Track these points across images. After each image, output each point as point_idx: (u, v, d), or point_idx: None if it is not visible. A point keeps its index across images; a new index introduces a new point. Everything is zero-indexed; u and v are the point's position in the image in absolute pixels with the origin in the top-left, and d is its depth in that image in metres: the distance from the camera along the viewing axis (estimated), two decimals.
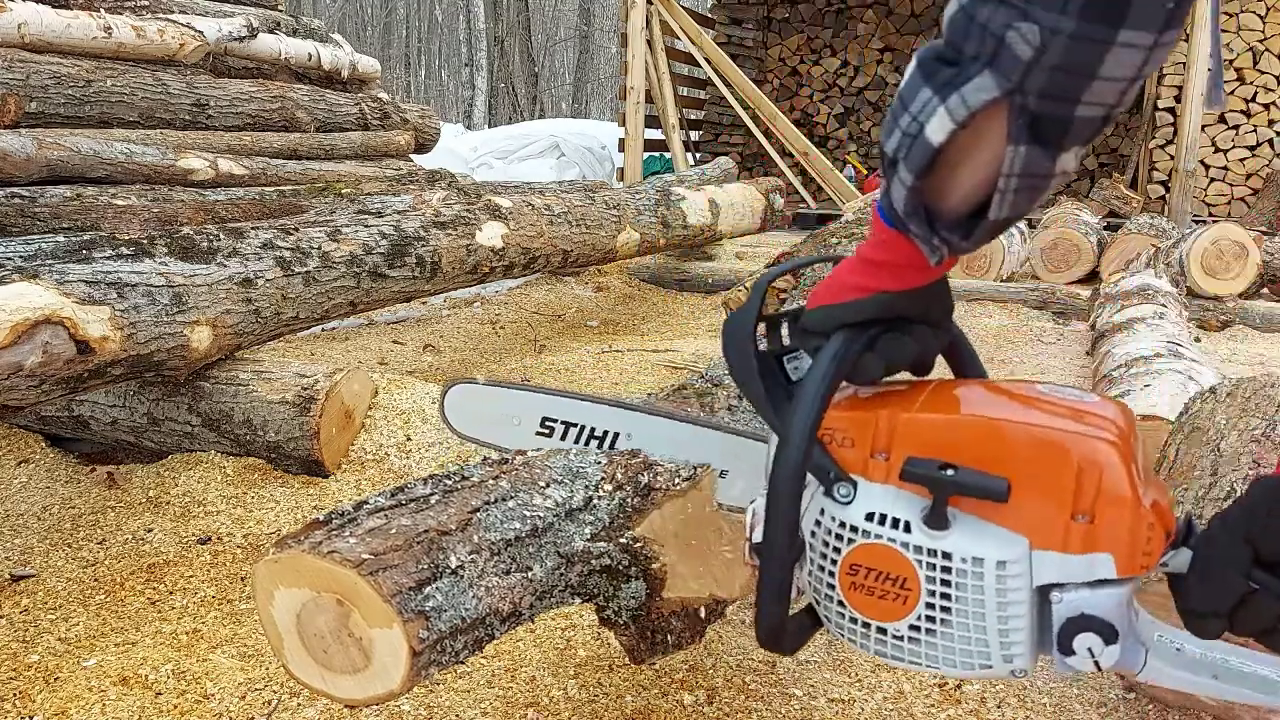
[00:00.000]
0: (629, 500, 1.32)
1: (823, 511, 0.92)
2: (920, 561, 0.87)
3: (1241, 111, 8.29)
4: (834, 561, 0.91)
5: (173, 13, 5.01)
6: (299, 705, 1.50)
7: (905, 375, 0.98)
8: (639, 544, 1.27)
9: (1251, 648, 0.85)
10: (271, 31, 5.47)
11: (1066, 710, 1.49)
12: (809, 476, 0.92)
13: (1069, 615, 0.84)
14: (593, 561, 1.25)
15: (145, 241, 2.17)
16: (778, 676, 1.57)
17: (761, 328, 1.02)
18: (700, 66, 8.89)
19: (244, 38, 5.19)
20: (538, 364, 3.78)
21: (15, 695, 1.53)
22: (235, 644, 1.69)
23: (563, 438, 1.56)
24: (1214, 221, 5.82)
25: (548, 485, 1.28)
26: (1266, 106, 8.24)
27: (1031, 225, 6.58)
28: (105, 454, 2.61)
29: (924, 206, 0.80)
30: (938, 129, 0.74)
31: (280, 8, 6.11)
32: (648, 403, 1.62)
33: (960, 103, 0.72)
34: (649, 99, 8.87)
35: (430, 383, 2.81)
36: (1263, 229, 6.43)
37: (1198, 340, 3.98)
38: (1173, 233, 5.79)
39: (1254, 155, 8.33)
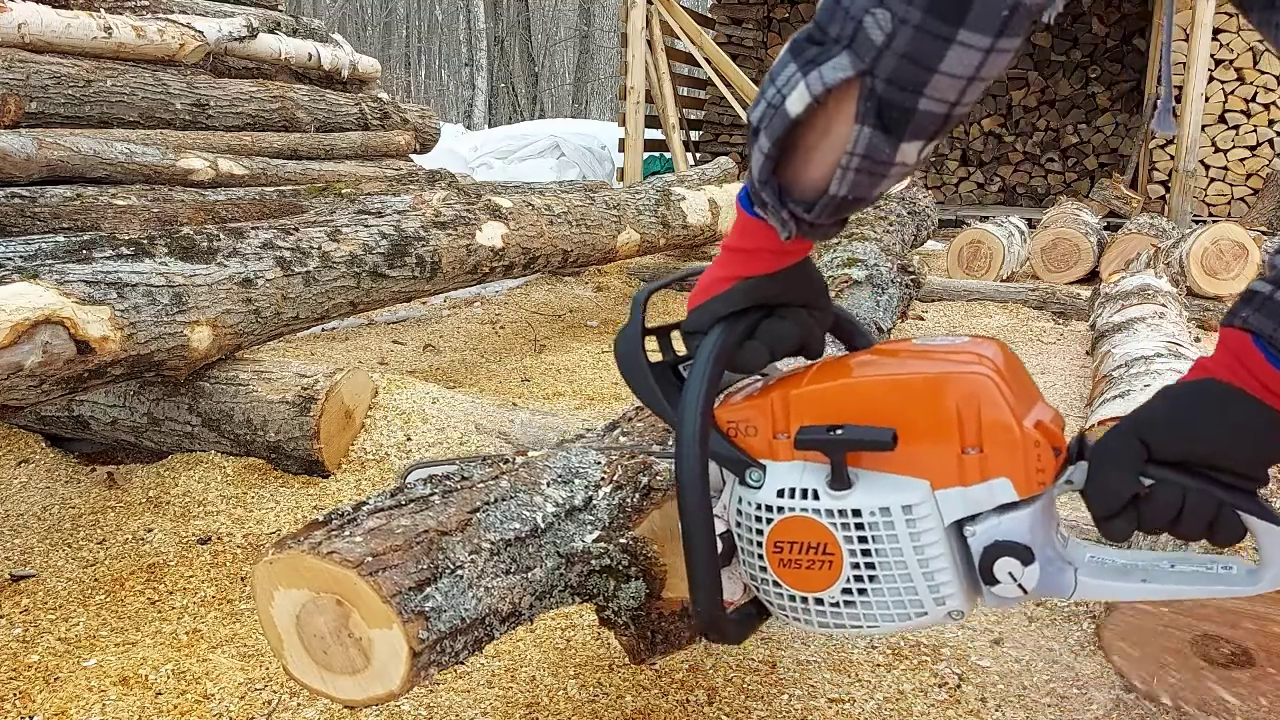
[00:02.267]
0: (629, 500, 1.32)
1: (741, 500, 0.97)
2: (834, 524, 0.91)
3: (1241, 111, 8.30)
4: (759, 544, 0.96)
5: (173, 13, 5.01)
6: (299, 705, 1.50)
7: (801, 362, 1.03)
8: (639, 544, 1.27)
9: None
10: (271, 31, 5.48)
11: (1067, 711, 1.49)
12: (727, 473, 0.97)
13: (985, 545, 0.88)
14: (593, 561, 1.25)
15: (145, 241, 2.17)
16: (778, 676, 1.57)
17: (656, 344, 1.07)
18: (700, 66, 8.89)
19: (244, 38, 5.19)
20: (537, 364, 3.78)
21: (15, 695, 1.53)
22: (235, 644, 1.69)
23: None
24: (1214, 221, 5.82)
25: (548, 485, 1.28)
26: (1266, 106, 8.24)
27: (1031, 225, 6.58)
28: (105, 454, 2.61)
29: (778, 181, 0.85)
30: (797, 101, 0.79)
31: (280, 8, 6.11)
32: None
33: (818, 78, 0.77)
34: (649, 99, 8.87)
35: (430, 382, 2.81)
36: (1263, 229, 6.43)
37: (1198, 340, 3.98)
38: (1173, 233, 5.79)
39: (1254, 155, 8.33)
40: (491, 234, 3.35)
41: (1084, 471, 0.88)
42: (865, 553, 0.90)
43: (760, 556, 0.96)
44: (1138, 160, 8.70)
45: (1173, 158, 7.95)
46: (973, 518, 0.88)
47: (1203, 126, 7.97)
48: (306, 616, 1.02)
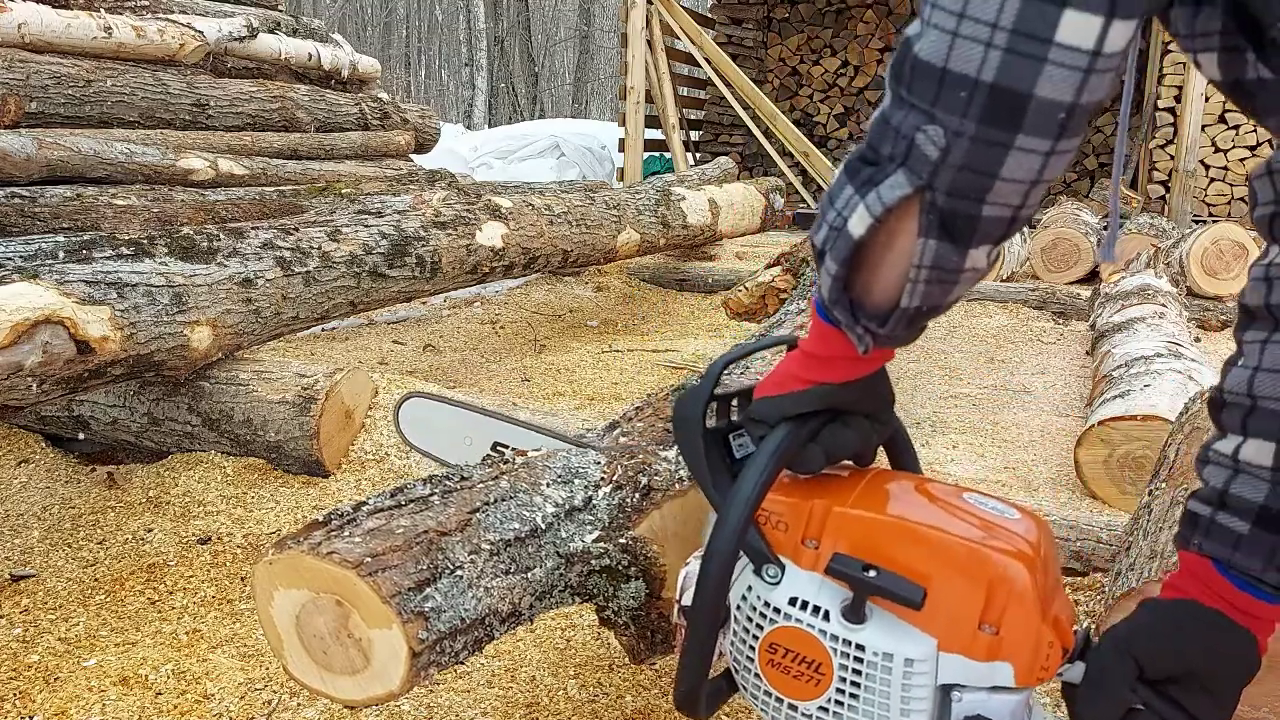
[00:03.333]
0: (629, 500, 1.32)
1: (750, 588, 0.97)
2: (835, 650, 0.92)
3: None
4: (755, 637, 0.96)
5: (173, 13, 5.01)
6: (299, 705, 1.50)
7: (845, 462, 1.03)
8: (639, 544, 1.27)
9: None
10: (271, 31, 5.48)
11: (1064, 712, 1.49)
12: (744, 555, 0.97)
13: (966, 714, 0.90)
14: (592, 561, 1.25)
15: (145, 241, 2.17)
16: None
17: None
18: (700, 66, 8.89)
19: (244, 38, 5.19)
20: (538, 363, 3.78)
21: (15, 695, 1.53)
22: (235, 644, 1.69)
23: None
24: (1214, 221, 5.82)
25: (548, 485, 1.28)
26: None
27: (1031, 225, 6.58)
28: (105, 454, 2.61)
29: (849, 298, 0.86)
30: (858, 223, 0.79)
31: (280, 8, 6.11)
32: (600, 436, 1.61)
33: (877, 199, 0.77)
34: (649, 99, 8.87)
35: (430, 382, 2.81)
36: None
37: (1198, 340, 3.98)
38: (1173, 233, 5.79)
39: (1254, 155, 8.32)
40: (491, 234, 3.35)
41: (1079, 672, 0.90)
42: (855, 684, 0.92)
43: (752, 648, 0.97)
44: (1138, 160, 8.70)
45: (1173, 158, 7.96)
46: (963, 685, 0.90)
47: (1203, 126, 7.97)
48: (306, 617, 1.02)
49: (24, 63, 4.09)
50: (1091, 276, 5.55)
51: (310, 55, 5.72)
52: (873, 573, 0.90)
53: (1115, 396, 2.59)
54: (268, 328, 2.43)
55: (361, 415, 2.48)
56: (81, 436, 2.51)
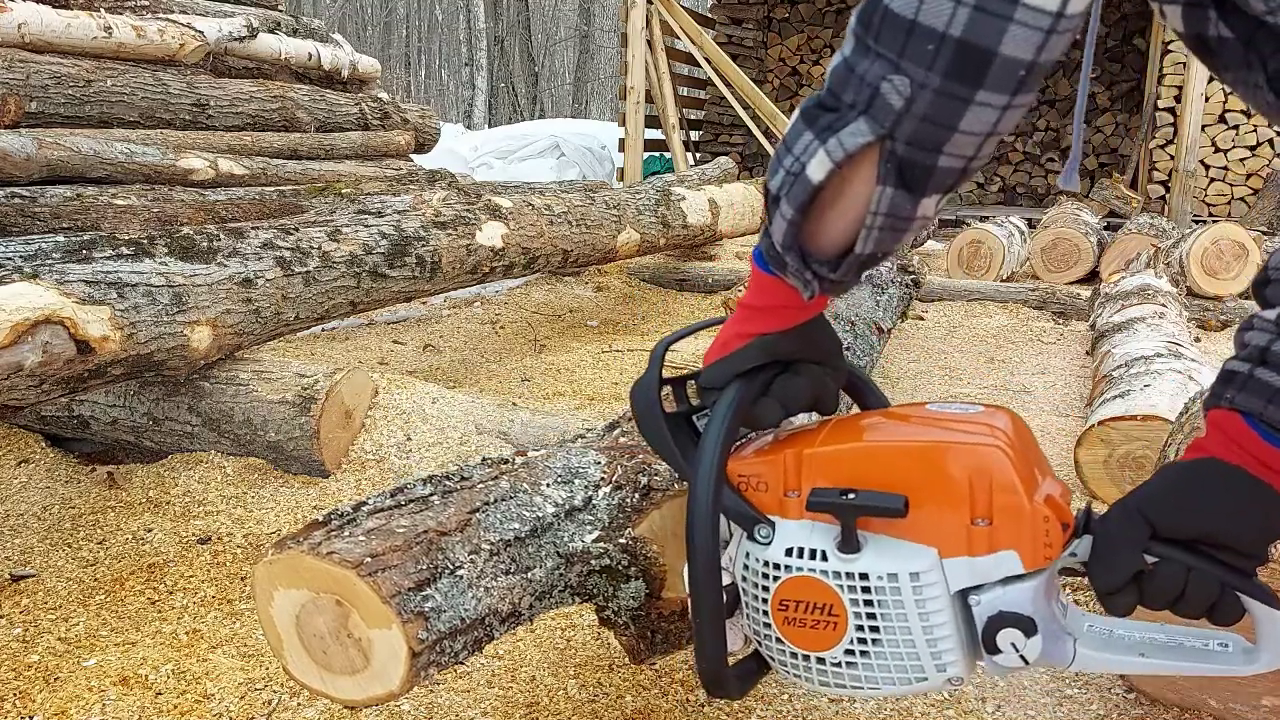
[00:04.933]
0: (629, 500, 1.32)
1: (749, 555, 0.97)
2: (841, 586, 0.92)
3: (1241, 111, 8.29)
4: (765, 600, 0.96)
5: (173, 13, 5.01)
6: (299, 705, 1.50)
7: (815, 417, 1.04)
8: (639, 544, 1.27)
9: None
10: (271, 31, 5.48)
11: (1067, 711, 1.49)
12: (735, 526, 0.97)
13: (989, 615, 0.89)
14: (592, 561, 1.25)
15: (145, 241, 2.17)
16: (778, 676, 1.57)
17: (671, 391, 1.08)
18: (700, 66, 8.89)
19: (244, 38, 5.19)
20: (537, 364, 3.78)
21: (15, 695, 1.53)
22: (235, 644, 1.69)
23: None
24: (1214, 221, 5.82)
25: (548, 485, 1.28)
26: None
27: (1031, 225, 6.58)
28: (105, 454, 2.61)
29: (799, 244, 0.86)
30: (818, 168, 0.80)
31: (280, 8, 6.11)
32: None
33: (838, 145, 0.78)
34: (649, 99, 8.87)
35: (430, 382, 2.80)
36: (1263, 229, 6.43)
37: (1198, 340, 3.98)
38: (1173, 233, 5.79)
39: (1254, 155, 8.32)
40: (491, 234, 3.35)
41: (1088, 546, 0.89)
42: (870, 616, 0.91)
43: (765, 613, 0.96)
44: (1138, 160, 8.70)
45: (1173, 158, 7.95)
46: (977, 587, 0.89)
47: (1203, 126, 7.97)
48: (306, 617, 1.02)
49: (24, 63, 4.09)
50: (1091, 276, 5.56)
51: (310, 55, 5.72)
52: (851, 495, 0.90)
53: (1115, 396, 2.59)
54: (268, 328, 2.43)
55: (361, 415, 2.48)
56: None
